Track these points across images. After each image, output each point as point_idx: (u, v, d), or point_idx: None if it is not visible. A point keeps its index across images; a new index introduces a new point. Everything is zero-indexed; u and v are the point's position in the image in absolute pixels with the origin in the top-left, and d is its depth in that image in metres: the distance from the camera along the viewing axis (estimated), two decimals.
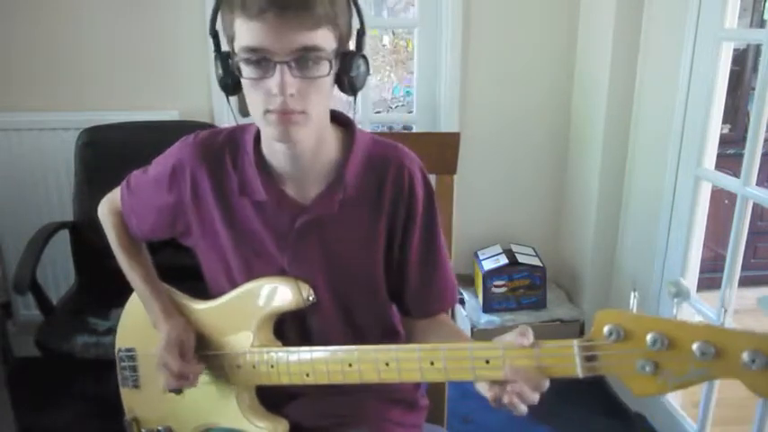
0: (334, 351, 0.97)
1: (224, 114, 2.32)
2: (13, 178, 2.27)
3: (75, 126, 2.15)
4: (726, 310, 1.70)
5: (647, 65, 2.11)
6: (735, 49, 1.86)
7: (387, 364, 0.93)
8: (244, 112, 0.97)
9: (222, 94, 0.95)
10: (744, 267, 1.73)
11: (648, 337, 0.72)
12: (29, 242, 1.90)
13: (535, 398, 0.82)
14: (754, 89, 2.60)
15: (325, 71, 0.88)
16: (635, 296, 0.77)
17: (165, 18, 2.27)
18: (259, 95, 0.88)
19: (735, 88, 3.08)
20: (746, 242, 1.70)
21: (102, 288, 1.94)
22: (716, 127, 1.83)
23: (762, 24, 3.09)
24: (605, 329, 0.75)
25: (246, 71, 0.87)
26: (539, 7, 2.39)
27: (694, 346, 0.70)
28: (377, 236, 1.04)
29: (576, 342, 0.78)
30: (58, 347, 1.77)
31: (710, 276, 2.17)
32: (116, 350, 1.22)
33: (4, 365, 1.89)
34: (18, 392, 1.64)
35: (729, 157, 2.62)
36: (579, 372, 0.78)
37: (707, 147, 1.84)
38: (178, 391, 1.13)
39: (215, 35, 0.93)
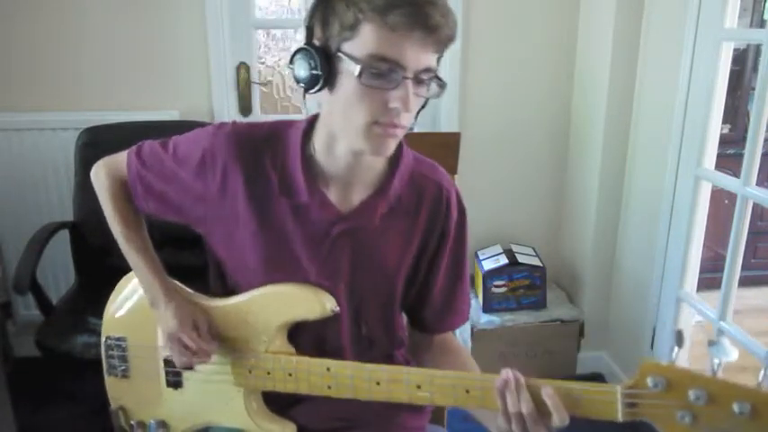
0: (360, 367, 0.96)
1: (224, 114, 2.31)
2: (13, 178, 2.27)
3: (75, 126, 2.15)
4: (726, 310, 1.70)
5: (647, 65, 2.11)
6: (735, 49, 1.86)
7: (419, 387, 0.92)
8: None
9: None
10: (744, 267, 1.73)
11: (691, 393, 0.75)
12: (29, 242, 1.90)
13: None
14: (754, 89, 2.60)
15: (434, 92, 0.89)
16: (677, 351, 0.78)
17: (165, 18, 2.26)
18: (371, 105, 0.85)
19: (735, 88, 3.08)
20: (746, 242, 1.70)
21: (102, 288, 1.93)
22: (716, 127, 1.84)
23: (762, 24, 3.10)
24: (649, 380, 0.77)
25: (368, 78, 0.83)
26: (539, 7, 2.39)
27: (734, 405, 0.72)
28: (408, 251, 1.04)
29: (619, 388, 0.80)
30: (57, 347, 1.76)
31: (710, 276, 2.17)
32: (103, 338, 1.19)
33: (4, 365, 1.89)
34: (18, 392, 1.63)
35: (729, 157, 2.62)
36: (620, 416, 0.80)
37: (707, 147, 1.84)
38: (178, 385, 1.13)
39: (309, 27, 0.88)
